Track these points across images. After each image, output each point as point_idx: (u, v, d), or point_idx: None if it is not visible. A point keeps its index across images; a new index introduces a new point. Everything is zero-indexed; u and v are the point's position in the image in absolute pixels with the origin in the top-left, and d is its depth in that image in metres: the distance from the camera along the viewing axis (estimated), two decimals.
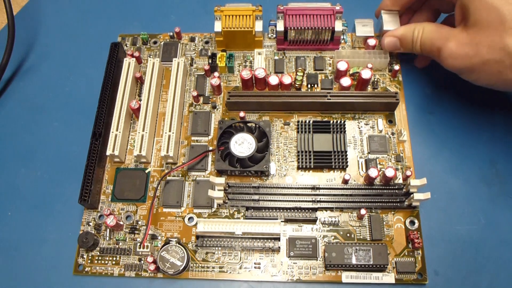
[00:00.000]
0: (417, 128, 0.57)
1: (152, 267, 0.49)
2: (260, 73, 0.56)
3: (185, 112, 0.59)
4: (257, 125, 0.55)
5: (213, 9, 0.58)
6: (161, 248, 0.49)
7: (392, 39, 0.56)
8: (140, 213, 0.53)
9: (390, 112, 0.57)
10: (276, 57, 0.62)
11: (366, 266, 0.48)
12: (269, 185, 0.52)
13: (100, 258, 0.51)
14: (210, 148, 0.56)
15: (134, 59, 0.60)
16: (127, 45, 0.64)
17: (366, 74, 0.55)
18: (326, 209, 0.52)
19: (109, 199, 0.54)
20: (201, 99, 0.60)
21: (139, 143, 0.54)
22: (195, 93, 0.58)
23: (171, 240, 0.50)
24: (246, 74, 0.56)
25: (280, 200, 0.51)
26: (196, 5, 0.69)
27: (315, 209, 0.51)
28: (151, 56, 0.63)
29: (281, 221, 0.51)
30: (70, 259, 0.51)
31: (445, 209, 0.53)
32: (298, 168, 0.55)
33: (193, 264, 0.50)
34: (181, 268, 0.49)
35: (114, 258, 0.51)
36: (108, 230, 0.52)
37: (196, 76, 0.61)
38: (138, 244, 0.51)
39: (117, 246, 0.52)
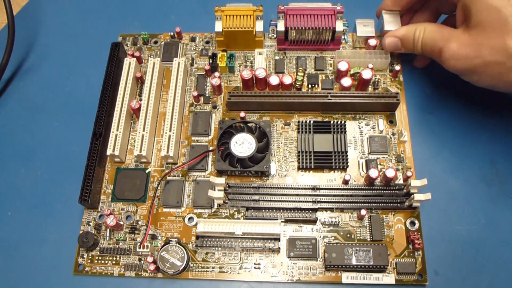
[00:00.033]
0: (417, 128, 0.57)
1: (152, 267, 0.49)
2: (261, 73, 0.56)
3: (186, 112, 0.59)
4: (258, 125, 0.55)
5: (213, 9, 0.58)
6: (161, 248, 0.49)
7: (393, 40, 0.56)
8: (140, 213, 0.53)
9: (391, 113, 0.57)
10: (277, 57, 0.62)
11: (366, 266, 0.48)
12: (269, 186, 0.52)
13: (100, 258, 0.51)
14: (211, 148, 0.56)
15: (134, 59, 0.60)
16: (128, 45, 0.64)
17: (367, 74, 0.55)
18: (326, 209, 0.52)
19: (109, 199, 0.54)
20: (202, 99, 0.60)
21: (140, 143, 0.54)
22: (195, 93, 0.58)
23: (171, 240, 0.50)
24: (246, 74, 0.56)
25: (280, 201, 0.51)
26: (196, 5, 0.69)
27: (315, 210, 0.51)
28: (151, 56, 0.63)
29: (281, 222, 0.51)
30: (70, 259, 0.51)
31: (445, 209, 0.53)
32: (299, 168, 0.55)
33: (193, 264, 0.50)
34: (181, 268, 0.49)
35: (114, 258, 0.51)
36: (108, 230, 0.52)
37: (196, 76, 0.61)
38: (138, 244, 0.51)
39: (117, 246, 0.52)
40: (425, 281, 0.49)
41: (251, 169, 0.52)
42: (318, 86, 0.59)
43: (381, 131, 0.56)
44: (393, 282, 0.48)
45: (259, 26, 0.59)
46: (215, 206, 0.53)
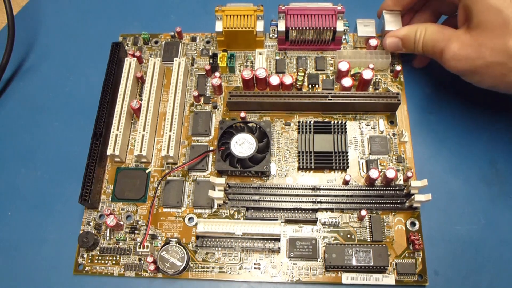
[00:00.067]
0: (417, 129, 0.57)
1: (152, 267, 0.49)
2: (261, 73, 0.56)
3: (186, 112, 0.59)
4: (258, 126, 0.55)
5: (213, 9, 0.58)
6: (161, 248, 0.49)
7: (394, 40, 0.56)
8: (140, 213, 0.53)
9: (392, 113, 0.57)
10: (277, 57, 0.62)
11: (366, 267, 0.48)
12: (270, 186, 0.52)
13: (100, 258, 0.51)
14: (211, 148, 0.56)
15: (135, 58, 0.60)
16: (128, 45, 0.64)
17: (367, 74, 0.55)
18: (326, 210, 0.52)
19: (110, 199, 0.54)
20: (202, 99, 0.60)
21: (140, 143, 0.54)
22: (196, 93, 0.58)
23: (171, 240, 0.50)
24: (247, 74, 0.56)
25: (280, 201, 0.51)
26: (196, 5, 0.69)
27: (315, 210, 0.51)
28: (152, 56, 0.63)
29: (281, 222, 0.51)
30: (70, 258, 0.51)
31: (445, 209, 0.53)
32: (299, 168, 0.55)
33: (193, 264, 0.50)
34: (181, 268, 0.49)
35: (114, 258, 0.51)
36: (108, 230, 0.52)
37: (197, 76, 0.61)
38: (138, 244, 0.51)
39: (117, 246, 0.52)
40: (425, 281, 0.49)
41: (251, 169, 0.52)
42: (318, 86, 0.59)
43: (382, 132, 0.56)
44: (393, 282, 0.48)
45: (260, 26, 0.59)
46: (215, 206, 0.53)
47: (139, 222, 0.53)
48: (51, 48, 0.66)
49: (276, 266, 0.50)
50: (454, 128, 0.57)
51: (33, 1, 0.71)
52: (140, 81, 0.61)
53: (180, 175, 0.55)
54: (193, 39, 0.64)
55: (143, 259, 0.51)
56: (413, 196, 0.49)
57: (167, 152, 0.53)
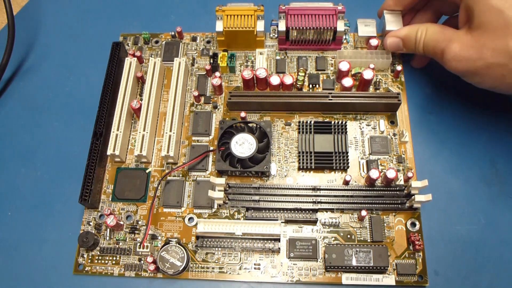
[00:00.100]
0: (418, 129, 0.57)
1: (152, 267, 0.49)
2: (262, 73, 0.56)
3: (186, 112, 0.59)
4: (258, 126, 0.55)
5: (213, 9, 0.58)
6: (161, 248, 0.49)
7: (395, 40, 0.56)
8: (140, 213, 0.53)
9: (392, 113, 0.57)
10: (278, 57, 0.62)
11: (366, 267, 0.48)
12: (270, 186, 0.52)
13: (100, 257, 0.51)
14: (211, 148, 0.56)
15: (135, 58, 0.60)
16: (129, 45, 0.64)
17: (368, 74, 0.55)
18: (326, 210, 0.52)
19: (110, 199, 0.54)
20: (202, 99, 0.60)
21: (140, 143, 0.54)
22: (196, 93, 0.58)
23: (171, 240, 0.50)
24: (247, 74, 0.56)
25: (280, 201, 0.51)
26: (196, 5, 0.69)
27: (315, 210, 0.51)
28: (152, 56, 0.63)
29: (282, 222, 0.51)
30: (70, 258, 0.51)
31: (445, 209, 0.53)
32: (299, 168, 0.55)
33: (193, 264, 0.50)
34: (181, 269, 0.49)
35: (114, 258, 0.51)
36: (108, 230, 0.52)
37: (197, 76, 0.61)
38: (138, 244, 0.51)
39: (117, 246, 0.52)
40: (426, 282, 0.48)
41: (252, 170, 0.52)
42: (319, 86, 0.59)
43: (382, 132, 0.56)
44: (393, 283, 0.48)
45: (260, 26, 0.59)
46: (215, 206, 0.53)
47: (139, 222, 0.53)
48: (51, 48, 0.66)
49: (276, 266, 0.50)
50: (454, 128, 0.57)
51: (33, 1, 0.71)
52: (140, 81, 0.61)
53: (180, 175, 0.55)
54: (194, 39, 0.64)
55: (143, 259, 0.51)
56: (413, 197, 0.49)
57: (167, 152, 0.53)
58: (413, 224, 0.51)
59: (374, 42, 0.59)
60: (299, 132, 0.56)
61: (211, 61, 0.61)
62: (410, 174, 0.51)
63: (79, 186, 0.52)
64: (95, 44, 0.65)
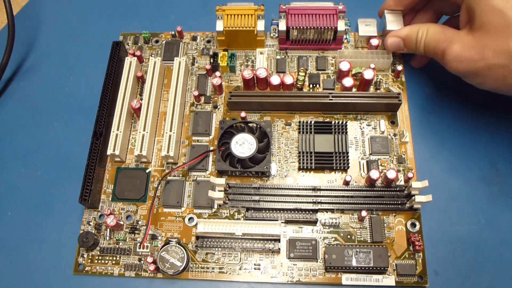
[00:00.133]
0: (418, 129, 0.57)
1: (152, 267, 0.49)
2: (262, 73, 0.56)
3: (186, 112, 0.59)
4: (258, 126, 0.55)
5: (213, 8, 0.58)
6: (161, 248, 0.49)
7: (395, 40, 0.55)
8: (140, 213, 0.53)
9: (393, 113, 0.57)
10: (278, 57, 0.62)
11: (366, 268, 0.48)
12: (270, 186, 0.52)
13: (100, 257, 0.51)
14: (211, 148, 0.56)
15: (135, 58, 0.59)
16: (129, 44, 0.64)
17: (368, 74, 0.55)
18: (326, 210, 0.52)
19: (110, 199, 0.54)
20: (202, 98, 0.60)
21: (140, 143, 0.54)
22: (196, 93, 0.58)
23: (171, 241, 0.50)
24: (247, 73, 0.56)
25: (280, 201, 0.51)
26: (196, 4, 0.69)
27: (315, 211, 0.51)
28: (152, 55, 0.63)
29: (282, 222, 0.51)
30: (70, 258, 0.51)
31: (445, 209, 0.53)
32: (299, 169, 0.54)
33: (193, 264, 0.50)
34: (181, 269, 0.49)
35: (114, 258, 0.51)
36: (108, 229, 0.52)
37: (197, 75, 0.61)
38: (138, 244, 0.51)
39: (117, 246, 0.52)
40: (426, 283, 0.48)
41: (252, 170, 0.52)
42: (319, 86, 0.59)
43: (383, 132, 0.56)
44: (393, 283, 0.48)
45: (261, 25, 0.59)
46: (215, 206, 0.53)
47: (139, 222, 0.53)
48: (51, 48, 0.66)
49: (276, 266, 0.50)
50: (454, 128, 0.57)
51: (33, 1, 0.71)
52: (140, 80, 0.61)
53: (180, 175, 0.55)
54: (194, 39, 0.64)
55: (143, 259, 0.51)
56: (413, 197, 0.49)
57: (167, 152, 0.53)
58: (413, 225, 0.51)
59: (374, 42, 0.59)
60: (299, 132, 0.55)
61: (211, 60, 0.61)
62: (410, 175, 0.51)
63: (79, 186, 0.52)
64: (95, 44, 0.65)
